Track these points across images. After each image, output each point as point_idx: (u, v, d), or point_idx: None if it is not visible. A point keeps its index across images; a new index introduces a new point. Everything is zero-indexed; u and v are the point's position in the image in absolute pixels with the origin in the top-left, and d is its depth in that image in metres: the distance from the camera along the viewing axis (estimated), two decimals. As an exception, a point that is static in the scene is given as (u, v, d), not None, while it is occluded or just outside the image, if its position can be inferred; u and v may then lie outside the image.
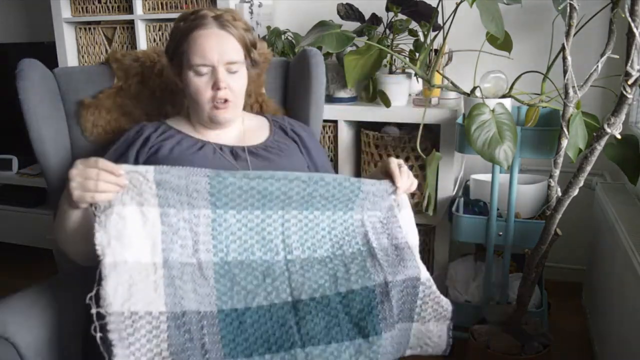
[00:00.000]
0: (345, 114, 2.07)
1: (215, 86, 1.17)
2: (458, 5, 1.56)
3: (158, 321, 0.91)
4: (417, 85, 2.13)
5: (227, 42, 1.19)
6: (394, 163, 1.14)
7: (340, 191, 1.08)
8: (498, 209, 1.73)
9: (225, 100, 1.19)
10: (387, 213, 1.14)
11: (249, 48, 1.24)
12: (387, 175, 1.15)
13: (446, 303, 1.12)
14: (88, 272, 1.07)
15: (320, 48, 1.53)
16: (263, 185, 1.03)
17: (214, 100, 1.19)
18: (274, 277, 1.03)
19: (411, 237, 1.15)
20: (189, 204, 1.00)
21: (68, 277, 1.22)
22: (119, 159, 1.20)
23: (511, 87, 1.64)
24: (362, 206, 1.11)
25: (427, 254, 2.09)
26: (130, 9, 2.38)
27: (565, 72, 1.38)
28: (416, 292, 1.07)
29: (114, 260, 0.90)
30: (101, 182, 0.90)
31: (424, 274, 1.09)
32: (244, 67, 1.23)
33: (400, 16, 1.94)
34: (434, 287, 1.10)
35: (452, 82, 1.76)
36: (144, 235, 0.96)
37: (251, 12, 2.26)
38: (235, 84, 1.20)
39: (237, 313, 0.99)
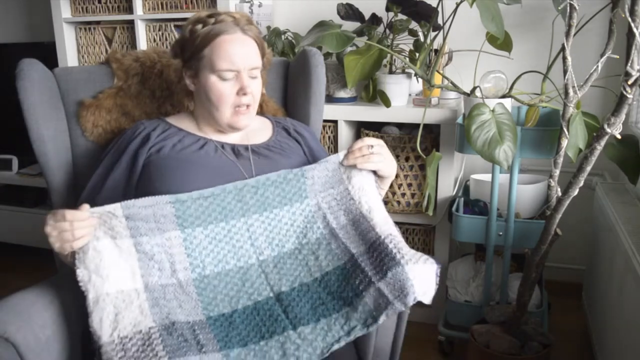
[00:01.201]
0: (345, 114, 2.07)
1: (242, 91, 1.18)
2: (458, 5, 1.56)
3: (149, 334, 0.96)
4: (417, 85, 2.13)
5: (251, 48, 1.20)
6: (359, 141, 1.18)
7: (288, 184, 1.15)
8: (498, 209, 1.73)
9: (247, 106, 1.20)
10: (338, 188, 1.18)
11: (264, 52, 1.26)
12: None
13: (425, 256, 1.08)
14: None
15: (320, 48, 1.53)
16: (219, 199, 1.10)
17: (236, 106, 1.19)
18: (252, 280, 1.09)
19: (365, 201, 1.16)
20: (158, 229, 1.05)
21: (68, 277, 1.21)
22: (118, 158, 1.20)
23: (511, 87, 1.64)
24: (314, 190, 1.17)
25: (427, 254, 2.08)
26: (130, 9, 2.38)
27: (565, 72, 1.38)
28: (385, 246, 1.06)
29: (95, 295, 0.97)
30: (76, 230, 0.97)
31: (386, 231, 1.09)
32: (259, 71, 1.24)
33: (400, 16, 1.94)
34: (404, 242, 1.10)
35: (452, 82, 1.76)
36: (122, 265, 1.01)
37: (251, 12, 2.26)
38: (256, 89, 1.22)
39: (225, 317, 1.04)
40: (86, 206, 1.01)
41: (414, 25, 1.97)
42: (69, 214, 0.98)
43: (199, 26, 1.19)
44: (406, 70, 2.05)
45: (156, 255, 1.04)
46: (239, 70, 1.18)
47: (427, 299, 1.03)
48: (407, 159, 2.02)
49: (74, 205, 1.08)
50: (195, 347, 0.96)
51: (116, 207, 1.02)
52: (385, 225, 1.12)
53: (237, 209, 1.11)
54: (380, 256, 1.06)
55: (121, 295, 0.99)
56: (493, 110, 1.50)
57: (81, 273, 0.98)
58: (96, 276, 0.98)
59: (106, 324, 0.95)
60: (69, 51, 2.52)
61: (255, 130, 1.31)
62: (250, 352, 0.99)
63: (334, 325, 1.02)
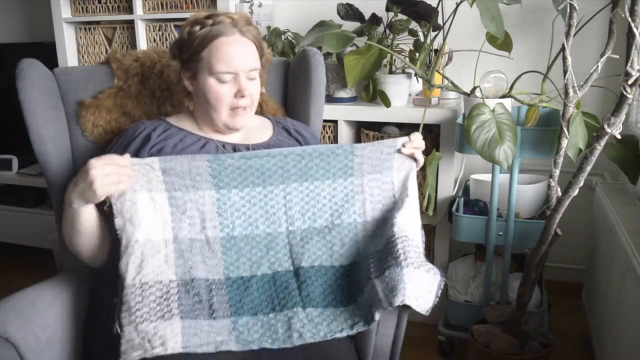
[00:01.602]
0: (345, 114, 2.07)
1: (240, 93, 1.18)
2: (458, 5, 1.56)
3: (168, 287, 1.00)
4: (417, 85, 2.13)
5: (249, 49, 1.20)
6: (418, 134, 1.20)
7: (335, 158, 1.15)
8: (498, 209, 1.73)
9: (244, 108, 1.20)
10: (386, 177, 1.17)
11: (262, 52, 1.26)
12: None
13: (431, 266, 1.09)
14: (91, 272, 1.07)
15: (320, 48, 1.53)
16: (260, 163, 1.11)
17: (233, 107, 1.20)
18: (276, 249, 1.11)
19: (401, 199, 1.16)
20: (193, 187, 1.08)
21: (68, 277, 1.21)
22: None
23: (511, 87, 1.64)
24: (361, 170, 1.16)
25: (426, 254, 2.09)
26: (130, 9, 2.38)
27: (565, 72, 1.38)
28: (394, 245, 1.07)
29: (127, 241, 1.02)
30: (122, 175, 1.01)
31: (402, 232, 1.09)
32: (258, 72, 1.23)
33: (400, 16, 1.94)
34: (420, 247, 1.11)
35: (452, 82, 1.76)
36: (154, 217, 1.05)
37: (251, 12, 2.26)
38: (254, 91, 1.22)
39: (243, 280, 1.07)
40: (128, 155, 1.05)
41: (414, 25, 1.97)
42: (117, 158, 1.02)
43: (197, 28, 1.18)
44: (406, 70, 2.05)
45: (188, 210, 1.07)
46: (236, 72, 1.17)
47: (419, 307, 1.01)
48: (407, 159, 2.02)
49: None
50: (207, 312, 1.01)
51: (154, 160, 1.06)
52: (404, 225, 1.12)
53: (277, 175, 1.12)
54: (386, 255, 1.07)
55: (150, 244, 1.03)
56: (493, 110, 1.50)
57: (118, 222, 1.02)
58: (130, 224, 1.02)
59: (132, 268, 0.99)
60: (69, 51, 2.52)
61: (256, 129, 1.31)
62: (258, 322, 1.03)
63: (339, 317, 1.05)
